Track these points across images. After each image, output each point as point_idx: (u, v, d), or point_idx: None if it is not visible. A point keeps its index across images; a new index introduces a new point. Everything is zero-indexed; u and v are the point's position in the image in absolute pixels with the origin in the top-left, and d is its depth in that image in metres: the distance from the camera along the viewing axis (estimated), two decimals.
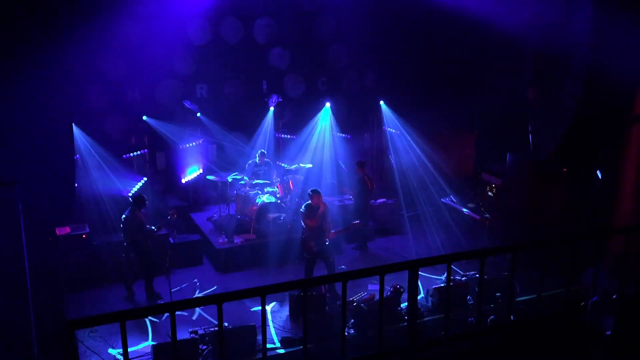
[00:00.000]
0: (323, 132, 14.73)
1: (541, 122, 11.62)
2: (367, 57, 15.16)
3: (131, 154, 13.35)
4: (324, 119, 14.74)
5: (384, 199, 13.88)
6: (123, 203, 11.71)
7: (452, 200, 13.08)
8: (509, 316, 7.20)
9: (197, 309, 9.81)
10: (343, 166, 14.70)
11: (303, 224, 10.10)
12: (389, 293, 9.44)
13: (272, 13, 14.17)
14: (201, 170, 14.01)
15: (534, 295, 7.91)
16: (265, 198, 12.27)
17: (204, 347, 8.47)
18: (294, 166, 13.50)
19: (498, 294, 9.57)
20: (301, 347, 7.07)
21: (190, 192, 14.06)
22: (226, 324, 8.35)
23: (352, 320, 9.15)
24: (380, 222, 13.52)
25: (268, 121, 14.33)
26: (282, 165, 14.01)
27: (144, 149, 13.56)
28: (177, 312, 5.27)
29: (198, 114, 13.68)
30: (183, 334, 8.30)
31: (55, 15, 10.37)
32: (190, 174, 13.95)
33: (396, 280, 9.35)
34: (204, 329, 8.71)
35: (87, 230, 11.20)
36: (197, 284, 11.07)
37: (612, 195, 10.57)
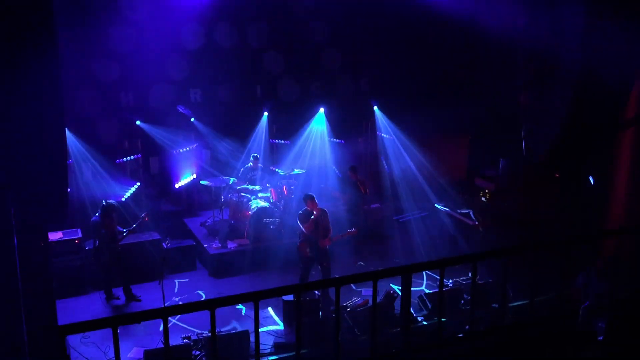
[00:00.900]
0: (317, 137, 14.75)
1: (533, 127, 11.67)
2: (360, 62, 15.19)
3: (124, 159, 13.32)
4: (318, 124, 14.75)
5: (377, 204, 13.89)
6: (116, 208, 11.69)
7: (445, 205, 13.10)
8: (502, 321, 7.22)
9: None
10: (337, 171, 14.71)
11: (299, 229, 10.15)
12: (382, 298, 9.43)
13: (266, 18, 14.18)
14: (195, 175, 13.99)
15: (527, 301, 7.93)
16: (259, 203, 12.26)
17: (197, 352, 8.44)
18: (287, 171, 13.50)
19: (494, 305, 9.49)
20: (294, 352, 7.05)
21: (184, 197, 14.04)
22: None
23: (346, 326, 9.14)
24: (374, 227, 13.51)
25: (262, 126, 14.32)
26: (276, 170, 14.01)
27: (137, 154, 13.53)
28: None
29: (192, 119, 13.67)
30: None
31: (49, 19, 10.34)
32: (184, 178, 13.93)
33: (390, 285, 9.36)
34: (197, 334, 8.68)
35: (80, 235, 11.15)
36: (191, 289, 11.03)
37: (604, 199, 10.62)
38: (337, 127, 14.96)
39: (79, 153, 12.26)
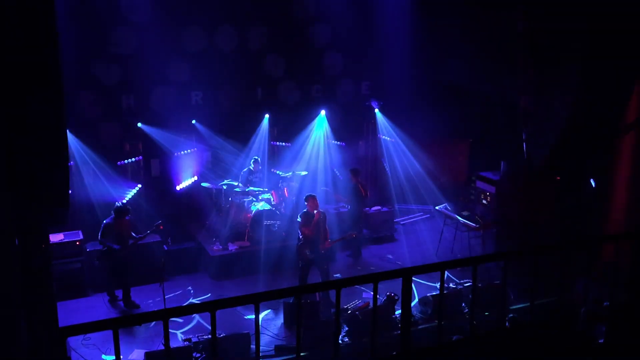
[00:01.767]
0: (318, 140, 14.77)
1: (534, 130, 11.67)
2: (361, 64, 15.21)
3: (125, 161, 13.33)
4: (319, 127, 14.77)
5: (378, 207, 13.90)
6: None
7: (446, 208, 13.11)
8: (502, 324, 7.22)
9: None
10: (338, 174, 14.72)
11: (299, 231, 10.15)
12: (383, 301, 9.44)
13: (267, 21, 14.20)
14: (196, 178, 14.00)
15: (527, 304, 7.93)
16: (259, 205, 12.27)
17: (198, 355, 8.45)
18: (289, 174, 13.51)
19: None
20: (295, 354, 7.06)
21: (185, 199, 14.03)
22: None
23: (346, 328, 9.15)
24: (374, 229, 13.53)
25: (263, 128, 14.35)
26: (277, 172, 14.02)
27: (138, 156, 13.55)
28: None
29: (193, 121, 13.69)
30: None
31: (50, 21, 10.37)
32: (185, 181, 13.94)
33: (391, 288, 9.36)
34: (197, 336, 8.69)
35: (81, 237, 11.18)
36: (191, 291, 11.05)
37: (604, 203, 10.62)
38: (338, 130, 14.99)
39: (80, 155, 12.28)
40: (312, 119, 14.74)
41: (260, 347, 5.94)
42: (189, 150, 13.88)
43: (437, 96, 14.59)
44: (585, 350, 6.86)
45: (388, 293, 9.53)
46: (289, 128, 14.92)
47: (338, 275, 11.41)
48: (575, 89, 10.43)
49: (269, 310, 10.09)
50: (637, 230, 9.76)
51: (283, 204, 12.71)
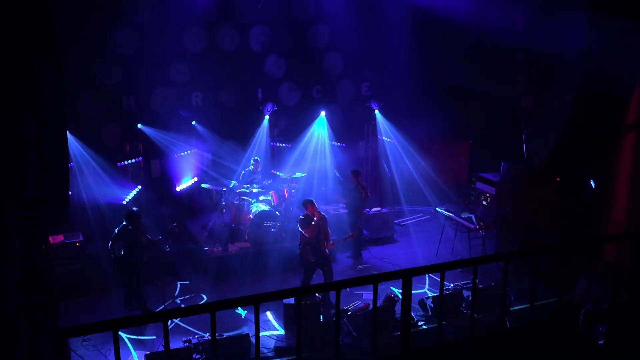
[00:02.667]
0: (318, 141, 14.77)
1: (535, 131, 11.68)
2: (361, 65, 15.22)
3: (126, 162, 13.34)
4: (319, 128, 14.77)
5: (379, 208, 13.90)
6: (117, 211, 11.69)
7: (446, 209, 13.11)
8: (503, 325, 7.21)
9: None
10: (338, 175, 14.72)
11: (300, 235, 10.14)
12: (383, 302, 9.43)
13: (268, 22, 14.22)
14: (196, 179, 14.01)
15: (528, 304, 7.93)
16: (260, 207, 12.26)
17: (198, 356, 8.44)
18: (289, 175, 13.51)
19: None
20: (295, 356, 7.05)
21: (185, 200, 14.04)
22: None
23: (346, 329, 9.14)
24: (375, 230, 13.52)
25: (263, 130, 14.35)
26: (277, 173, 14.02)
27: (138, 157, 13.56)
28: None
29: (193, 122, 13.70)
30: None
31: (51, 22, 10.38)
32: (185, 182, 13.94)
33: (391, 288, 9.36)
34: (197, 338, 8.68)
35: (81, 238, 11.17)
36: (193, 292, 11.04)
37: (605, 204, 10.62)
38: (338, 131, 14.99)
39: (80, 156, 12.28)
40: (313, 119, 14.75)
41: (260, 349, 5.94)
42: (189, 151, 13.88)
43: (437, 97, 14.60)
44: (585, 351, 6.86)
45: (388, 294, 9.52)
46: (290, 129, 14.93)
47: (338, 277, 11.39)
48: (576, 89, 10.43)
49: (270, 311, 10.08)
50: (637, 230, 9.75)
51: (283, 205, 12.70)
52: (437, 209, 13.33)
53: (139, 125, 13.10)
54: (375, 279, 5.89)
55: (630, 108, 10.20)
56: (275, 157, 14.90)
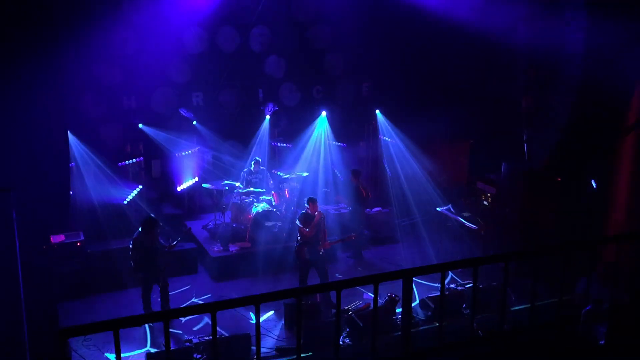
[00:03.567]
0: (319, 141, 14.77)
1: (535, 131, 11.68)
2: (362, 66, 15.23)
3: (126, 162, 13.35)
4: (320, 128, 14.78)
5: (379, 208, 13.90)
6: (118, 211, 11.69)
7: (447, 209, 13.10)
8: (503, 325, 7.21)
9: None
10: (339, 175, 14.72)
11: (298, 232, 10.14)
12: (384, 302, 9.43)
13: (268, 22, 14.23)
14: (197, 178, 14.01)
15: (528, 305, 7.93)
16: (260, 206, 12.27)
17: (198, 356, 8.45)
18: (289, 174, 13.51)
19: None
20: (295, 356, 7.05)
21: (186, 200, 14.05)
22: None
23: (347, 330, 9.14)
24: (375, 230, 13.52)
25: (264, 129, 14.36)
26: (278, 173, 14.02)
27: (139, 157, 13.57)
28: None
29: (194, 122, 13.70)
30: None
31: (52, 23, 10.40)
32: (186, 182, 13.95)
33: (392, 289, 9.34)
34: (198, 337, 8.69)
35: (82, 238, 11.17)
36: (192, 292, 11.04)
37: (605, 204, 10.62)
38: (339, 131, 14.99)
39: (81, 156, 12.28)
40: (313, 119, 14.76)
41: (261, 348, 5.94)
42: (189, 151, 13.89)
43: (438, 97, 14.60)
44: (585, 352, 6.86)
45: (389, 294, 9.52)
46: (290, 129, 14.94)
47: (339, 276, 11.40)
48: (576, 90, 10.44)
49: (270, 311, 10.08)
50: (638, 230, 9.75)
51: (284, 205, 12.71)
52: (438, 208, 13.33)
53: (140, 125, 13.12)
54: (375, 279, 5.89)
55: (631, 108, 10.20)
56: (276, 157, 14.91)
